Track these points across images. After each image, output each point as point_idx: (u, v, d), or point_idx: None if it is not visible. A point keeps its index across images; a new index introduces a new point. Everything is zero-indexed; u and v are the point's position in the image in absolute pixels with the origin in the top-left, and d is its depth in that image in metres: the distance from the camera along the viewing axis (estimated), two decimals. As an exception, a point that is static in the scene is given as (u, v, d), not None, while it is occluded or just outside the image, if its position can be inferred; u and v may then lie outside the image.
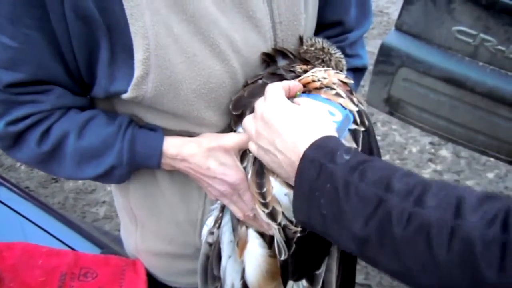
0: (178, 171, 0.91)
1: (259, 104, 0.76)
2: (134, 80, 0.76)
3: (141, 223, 1.03)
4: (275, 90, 0.75)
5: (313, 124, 0.70)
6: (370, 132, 0.81)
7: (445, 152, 2.88)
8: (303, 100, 0.77)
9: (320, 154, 0.66)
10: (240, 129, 0.85)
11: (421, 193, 0.58)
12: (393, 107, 1.93)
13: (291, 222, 0.79)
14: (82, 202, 2.65)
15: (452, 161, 2.82)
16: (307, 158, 0.67)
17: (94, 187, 2.75)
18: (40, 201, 1.30)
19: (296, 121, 0.70)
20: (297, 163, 0.68)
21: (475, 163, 2.80)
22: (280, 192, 0.78)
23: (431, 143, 2.93)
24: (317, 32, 0.97)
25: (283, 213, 0.78)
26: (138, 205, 0.99)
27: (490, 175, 2.73)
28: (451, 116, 1.82)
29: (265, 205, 0.78)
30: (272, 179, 0.78)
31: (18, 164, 2.89)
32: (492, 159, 2.82)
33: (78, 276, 1.05)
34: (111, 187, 1.09)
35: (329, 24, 0.99)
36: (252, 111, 0.79)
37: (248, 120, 0.78)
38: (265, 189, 0.78)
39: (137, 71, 0.75)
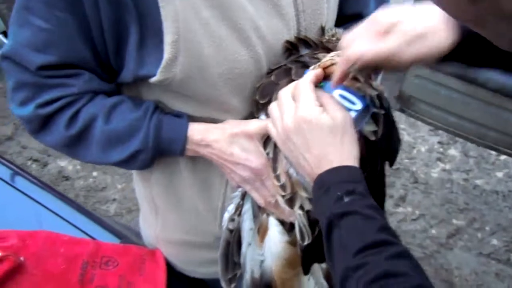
0: (201, 161, 0.92)
1: (287, 99, 0.75)
2: (163, 63, 0.77)
3: (162, 212, 1.04)
4: (307, 91, 0.74)
5: (342, 145, 0.73)
6: (389, 114, 0.83)
7: (454, 151, 2.88)
8: (330, 100, 0.76)
9: (329, 182, 0.70)
10: (263, 116, 0.86)
11: (362, 274, 0.61)
12: (404, 103, 1.94)
13: (315, 205, 0.80)
14: (93, 200, 2.67)
15: (460, 160, 2.83)
16: (318, 182, 0.72)
17: (105, 185, 2.77)
18: (58, 192, 1.31)
19: (327, 139, 0.72)
20: (316, 175, 0.72)
21: (484, 162, 2.81)
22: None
23: (439, 142, 2.94)
24: (337, 25, 0.98)
25: (308, 198, 0.80)
26: (160, 194, 1.01)
27: (499, 174, 2.74)
28: (462, 112, 1.83)
29: (283, 187, 0.80)
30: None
31: (29, 162, 2.92)
32: (501, 158, 2.83)
33: (99, 265, 1.07)
34: (133, 176, 1.10)
35: (349, 17, 1.00)
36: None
37: (274, 109, 0.78)
38: (278, 172, 0.80)
39: (167, 53, 0.77)
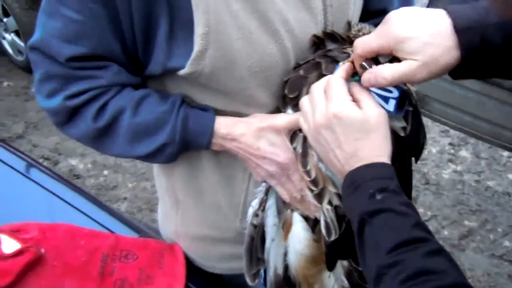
0: (224, 155, 0.92)
1: (319, 94, 0.75)
2: (193, 55, 0.77)
3: (183, 206, 1.04)
4: (339, 86, 0.74)
5: (374, 142, 0.72)
6: (417, 110, 0.83)
7: (465, 152, 2.88)
8: (365, 95, 0.75)
9: (360, 179, 0.70)
10: (289, 111, 0.86)
11: (398, 272, 0.60)
12: (419, 103, 1.93)
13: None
14: (104, 198, 2.67)
15: (472, 161, 2.82)
16: (349, 179, 0.71)
17: (116, 183, 2.78)
18: (76, 186, 1.32)
19: (358, 134, 0.72)
20: (346, 172, 0.72)
21: (496, 163, 2.80)
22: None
23: (450, 143, 2.93)
24: (361, 21, 0.98)
25: (337, 193, 0.79)
26: (182, 188, 1.01)
27: (511, 176, 2.73)
28: (477, 112, 1.82)
29: (313, 182, 0.79)
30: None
31: (40, 161, 2.92)
32: (513, 160, 2.82)
33: (119, 258, 1.07)
34: (154, 169, 1.10)
35: (374, 13, 1.00)
36: (307, 92, 0.80)
37: (305, 103, 0.78)
38: (309, 167, 0.80)
39: (197, 45, 0.77)
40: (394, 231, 0.63)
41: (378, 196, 0.66)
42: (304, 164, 0.81)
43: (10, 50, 3.70)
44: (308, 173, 0.80)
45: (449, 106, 1.88)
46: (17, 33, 3.58)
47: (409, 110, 0.81)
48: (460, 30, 0.66)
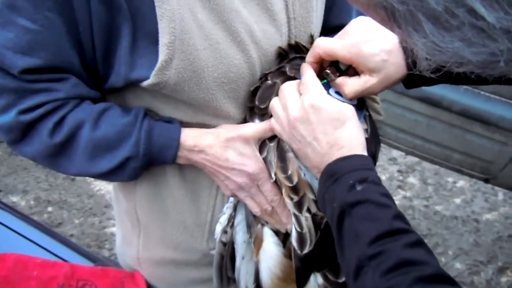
0: (189, 170, 0.89)
1: (292, 91, 0.77)
2: (158, 64, 0.75)
3: (145, 229, 0.99)
4: (315, 81, 0.76)
5: (351, 131, 0.74)
6: (371, 117, 0.86)
7: (413, 179, 2.96)
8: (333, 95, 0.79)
9: (340, 171, 0.70)
10: (257, 121, 0.84)
11: (379, 263, 0.60)
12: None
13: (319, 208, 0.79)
14: (48, 236, 2.53)
15: (420, 187, 2.90)
16: (328, 171, 0.71)
17: (61, 220, 2.64)
18: (23, 214, 1.23)
19: (336, 124, 0.73)
20: (324, 165, 0.72)
21: (442, 189, 2.89)
22: (312, 177, 0.78)
23: (399, 171, 3.01)
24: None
25: (314, 200, 0.78)
26: (145, 208, 0.96)
27: (457, 200, 2.82)
28: (427, 135, 1.88)
29: (294, 189, 0.77)
30: (301, 165, 0.78)
31: (-22, 197, 2.75)
32: (457, 184, 2.93)
33: (75, 288, 0.99)
34: (112, 193, 1.05)
35: (332, 29, 1.02)
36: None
37: (276, 104, 0.78)
38: (290, 172, 0.78)
39: (162, 55, 0.74)
40: (375, 222, 0.62)
41: (358, 187, 0.66)
42: (284, 169, 0.78)
43: None
44: (289, 179, 0.78)
45: (400, 131, 1.94)
46: None
47: (366, 114, 0.83)
48: (404, 47, 0.73)
